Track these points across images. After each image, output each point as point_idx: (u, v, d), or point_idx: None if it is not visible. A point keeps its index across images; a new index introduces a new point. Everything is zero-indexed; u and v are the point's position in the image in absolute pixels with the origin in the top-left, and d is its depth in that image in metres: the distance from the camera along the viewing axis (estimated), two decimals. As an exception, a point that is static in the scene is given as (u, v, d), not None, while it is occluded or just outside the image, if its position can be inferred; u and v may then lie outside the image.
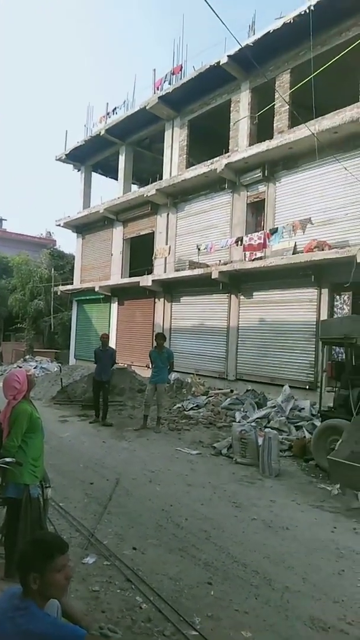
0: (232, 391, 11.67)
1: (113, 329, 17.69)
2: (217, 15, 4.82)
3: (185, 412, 10.34)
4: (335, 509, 5.27)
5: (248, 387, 11.39)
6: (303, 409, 9.21)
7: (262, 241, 11.30)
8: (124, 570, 3.65)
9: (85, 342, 19.59)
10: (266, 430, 7.34)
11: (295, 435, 8.24)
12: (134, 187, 19.48)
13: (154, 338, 9.91)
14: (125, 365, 14.21)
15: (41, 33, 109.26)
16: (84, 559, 3.78)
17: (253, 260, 11.78)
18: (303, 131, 10.03)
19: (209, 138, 15.30)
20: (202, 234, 13.87)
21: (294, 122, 11.15)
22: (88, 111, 19.01)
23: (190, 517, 4.83)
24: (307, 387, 10.49)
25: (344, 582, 3.68)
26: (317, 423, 7.85)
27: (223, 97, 13.50)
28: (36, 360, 19.15)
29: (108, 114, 17.62)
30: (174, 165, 15.22)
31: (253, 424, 8.30)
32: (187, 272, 13.36)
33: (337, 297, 10.45)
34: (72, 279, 21.47)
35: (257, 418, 9.03)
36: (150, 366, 9.44)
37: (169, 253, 15.03)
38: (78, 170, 21.00)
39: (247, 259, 12.03)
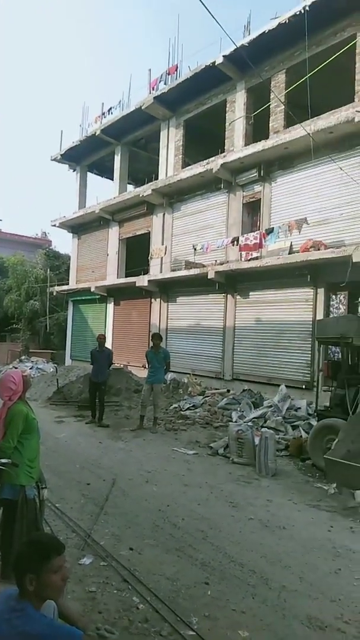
0: (228, 391, 11.67)
1: (109, 330, 17.66)
2: (212, 16, 4.82)
3: (182, 412, 10.34)
4: (332, 508, 5.28)
5: (244, 387, 11.41)
6: (299, 408, 9.24)
7: (258, 241, 11.31)
8: (120, 570, 3.64)
9: (81, 342, 19.53)
10: (263, 429, 7.35)
11: (292, 434, 8.25)
12: (130, 187, 19.47)
13: (150, 338, 9.91)
14: (122, 365, 14.19)
15: (34, 33, 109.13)
16: (80, 560, 3.77)
17: (249, 260, 11.80)
18: (298, 131, 10.05)
19: (204, 138, 15.31)
20: (198, 234, 13.87)
21: (289, 122, 11.17)
22: (83, 111, 19.15)
23: (187, 517, 4.82)
24: (304, 386, 10.51)
25: (340, 581, 3.69)
26: (314, 422, 7.86)
27: (218, 97, 13.52)
28: (32, 361, 19.11)
29: (103, 114, 17.62)
30: (170, 165, 15.22)
31: (250, 423, 8.29)
32: (183, 272, 13.36)
33: (333, 296, 10.48)
34: (68, 280, 21.44)
35: (254, 418, 9.05)
36: (147, 366, 9.43)
37: (165, 253, 15.02)
38: (73, 171, 20.97)
39: (243, 259, 12.05)
